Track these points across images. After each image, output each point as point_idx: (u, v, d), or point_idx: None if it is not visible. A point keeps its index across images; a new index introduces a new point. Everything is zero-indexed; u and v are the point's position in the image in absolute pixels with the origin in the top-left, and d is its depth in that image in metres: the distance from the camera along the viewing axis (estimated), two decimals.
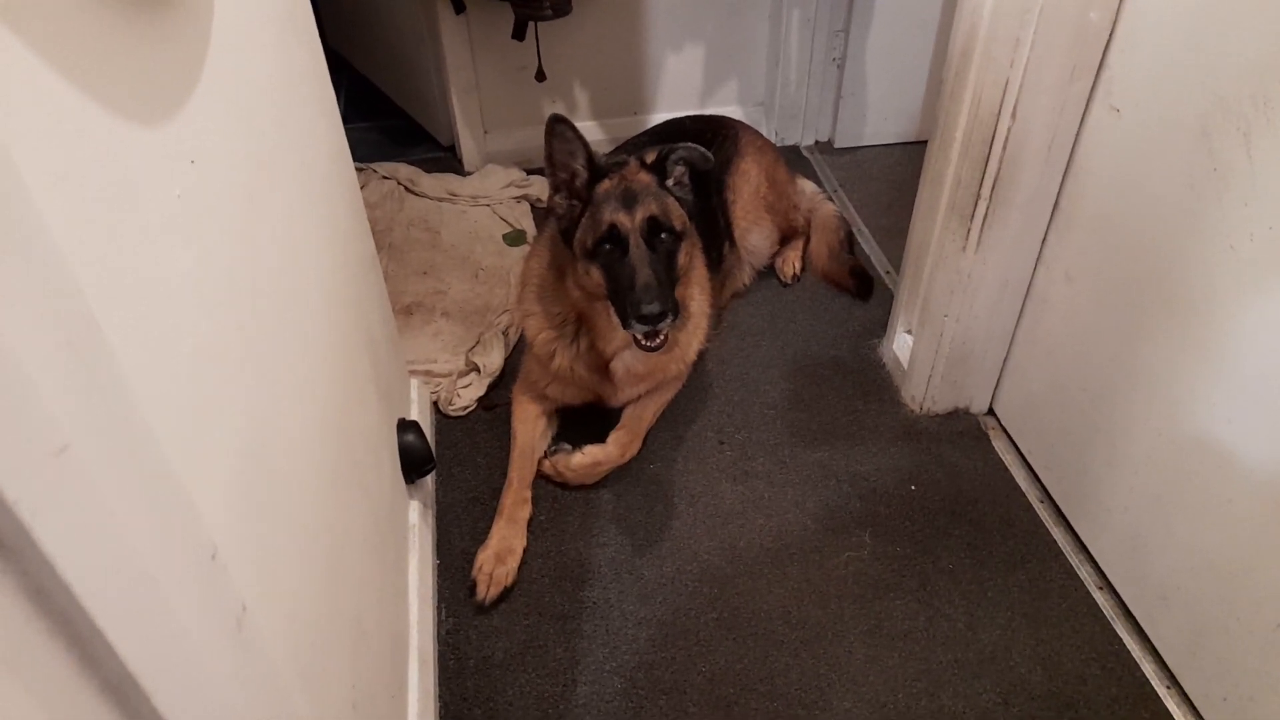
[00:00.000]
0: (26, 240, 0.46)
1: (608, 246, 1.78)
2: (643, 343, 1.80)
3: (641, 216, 1.77)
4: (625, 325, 1.79)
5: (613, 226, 1.76)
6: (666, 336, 1.81)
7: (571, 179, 1.82)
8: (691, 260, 1.95)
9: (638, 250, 1.76)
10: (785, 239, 2.71)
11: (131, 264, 0.66)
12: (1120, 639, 1.75)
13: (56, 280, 0.49)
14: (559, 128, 1.75)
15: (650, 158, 1.87)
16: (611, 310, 1.84)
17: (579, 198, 1.83)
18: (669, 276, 1.80)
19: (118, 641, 0.48)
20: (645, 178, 1.84)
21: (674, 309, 1.75)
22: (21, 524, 0.41)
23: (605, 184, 1.81)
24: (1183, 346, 1.55)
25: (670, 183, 1.87)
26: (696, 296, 2.07)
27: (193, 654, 0.59)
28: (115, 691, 0.51)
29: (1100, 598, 1.82)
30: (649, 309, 1.70)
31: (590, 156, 1.80)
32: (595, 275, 1.81)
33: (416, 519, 1.83)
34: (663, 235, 1.81)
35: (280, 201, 1.12)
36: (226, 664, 0.65)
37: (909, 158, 3.05)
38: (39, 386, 0.43)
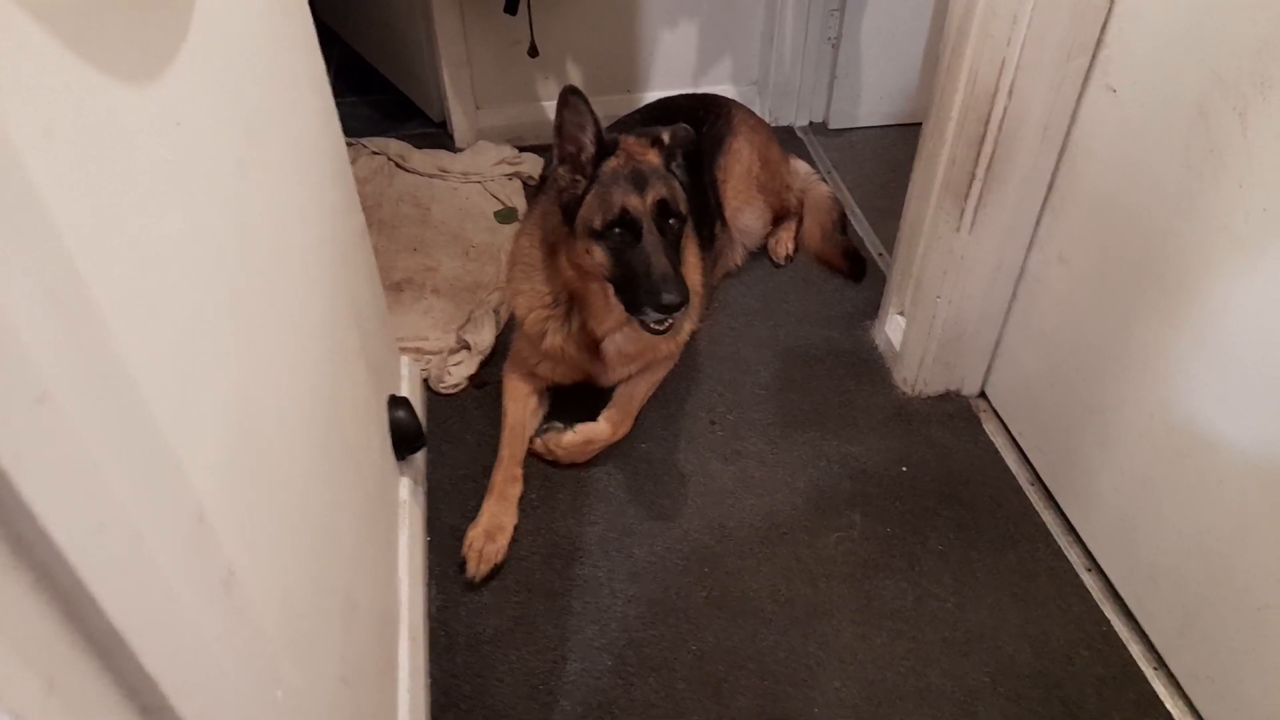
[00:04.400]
0: (8, 185, 0.45)
1: (618, 230, 1.76)
2: (653, 328, 1.79)
3: (653, 199, 1.76)
4: (635, 310, 1.77)
5: (624, 210, 1.74)
6: (675, 322, 1.80)
7: (578, 153, 1.80)
8: (686, 239, 1.94)
9: (651, 236, 1.74)
10: (778, 219, 2.70)
11: (116, 224, 0.64)
12: (1108, 620, 1.75)
13: (38, 228, 0.48)
14: (572, 99, 1.73)
15: (665, 136, 1.86)
16: (609, 290, 1.83)
17: (583, 173, 1.80)
18: (678, 261, 1.79)
19: (102, 595, 0.47)
20: (653, 158, 1.83)
21: (688, 297, 1.74)
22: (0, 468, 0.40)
23: (612, 162, 1.79)
24: (1175, 328, 1.55)
25: (673, 165, 1.86)
26: (690, 276, 2.05)
27: (179, 614, 0.58)
28: (101, 648, 0.50)
29: (1088, 579, 1.83)
30: (669, 299, 1.69)
31: (599, 131, 1.78)
32: (599, 256, 1.79)
33: (407, 495, 1.82)
34: (671, 220, 1.79)
35: (269, 171, 1.11)
36: (214, 626, 0.64)
37: (903, 139, 3.04)
38: (18, 331, 0.42)
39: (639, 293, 1.74)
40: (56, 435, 0.45)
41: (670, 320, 1.78)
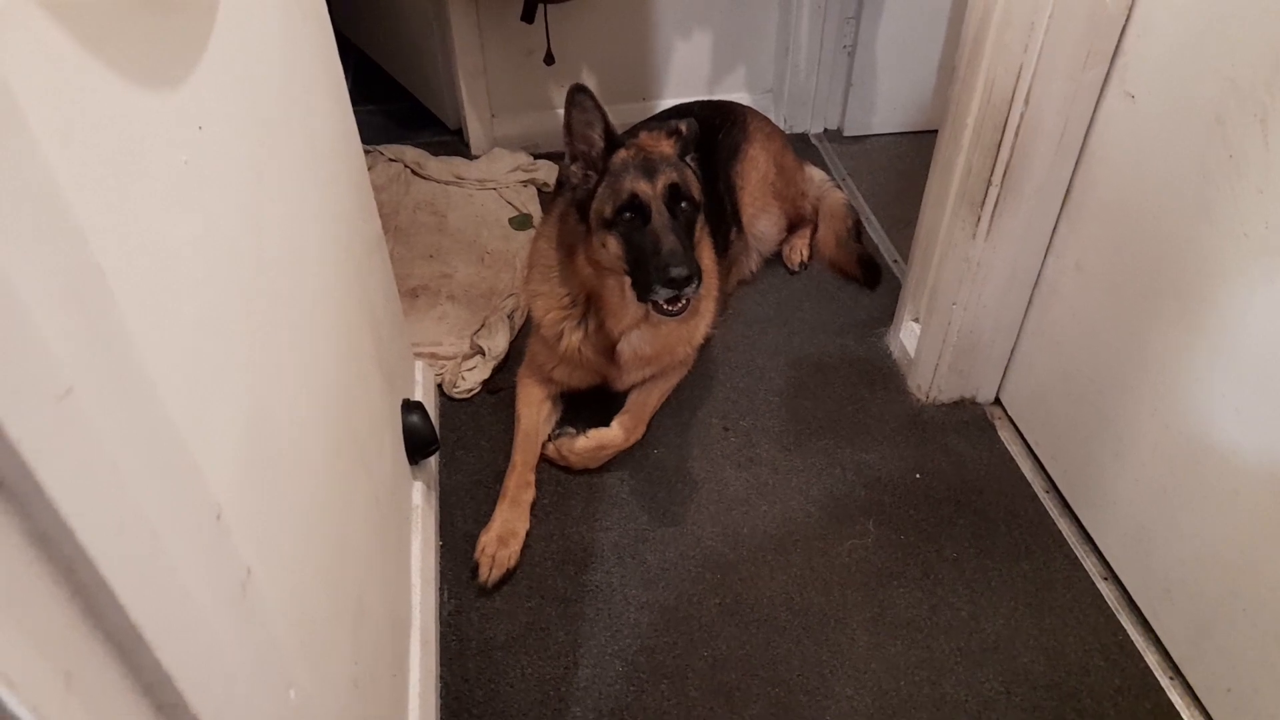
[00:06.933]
0: (31, 184, 0.46)
1: (628, 215, 1.77)
2: (665, 309, 1.77)
3: (663, 184, 1.77)
4: (646, 294, 1.77)
5: (634, 195, 1.76)
6: (688, 302, 1.79)
7: (588, 149, 1.82)
8: (700, 242, 1.94)
9: (660, 217, 1.76)
10: (793, 226, 2.70)
11: (136, 225, 0.65)
12: (1124, 630, 1.74)
13: (61, 227, 0.48)
14: (579, 97, 1.76)
15: (683, 127, 1.88)
16: (625, 285, 1.84)
17: (595, 168, 1.83)
18: (690, 244, 1.80)
19: (122, 592, 0.48)
20: (664, 148, 1.85)
21: (699, 274, 1.74)
22: (24, 464, 0.40)
23: (622, 154, 1.81)
24: (1193, 336, 1.54)
25: (688, 157, 1.88)
26: (706, 281, 2.05)
27: (197, 612, 0.59)
28: (119, 644, 0.50)
29: (1105, 588, 1.81)
30: (678, 272, 1.69)
31: (608, 127, 1.81)
32: (613, 246, 1.80)
33: (420, 500, 1.83)
34: (683, 204, 1.81)
35: (287, 176, 1.12)
36: (231, 626, 0.65)
37: (918, 147, 3.03)
38: (42, 328, 0.43)
39: (649, 271, 1.74)
40: (79, 432, 0.46)
41: (683, 300, 1.77)
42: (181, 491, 0.60)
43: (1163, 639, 1.70)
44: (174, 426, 0.61)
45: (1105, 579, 1.83)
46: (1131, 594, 1.78)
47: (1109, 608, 1.78)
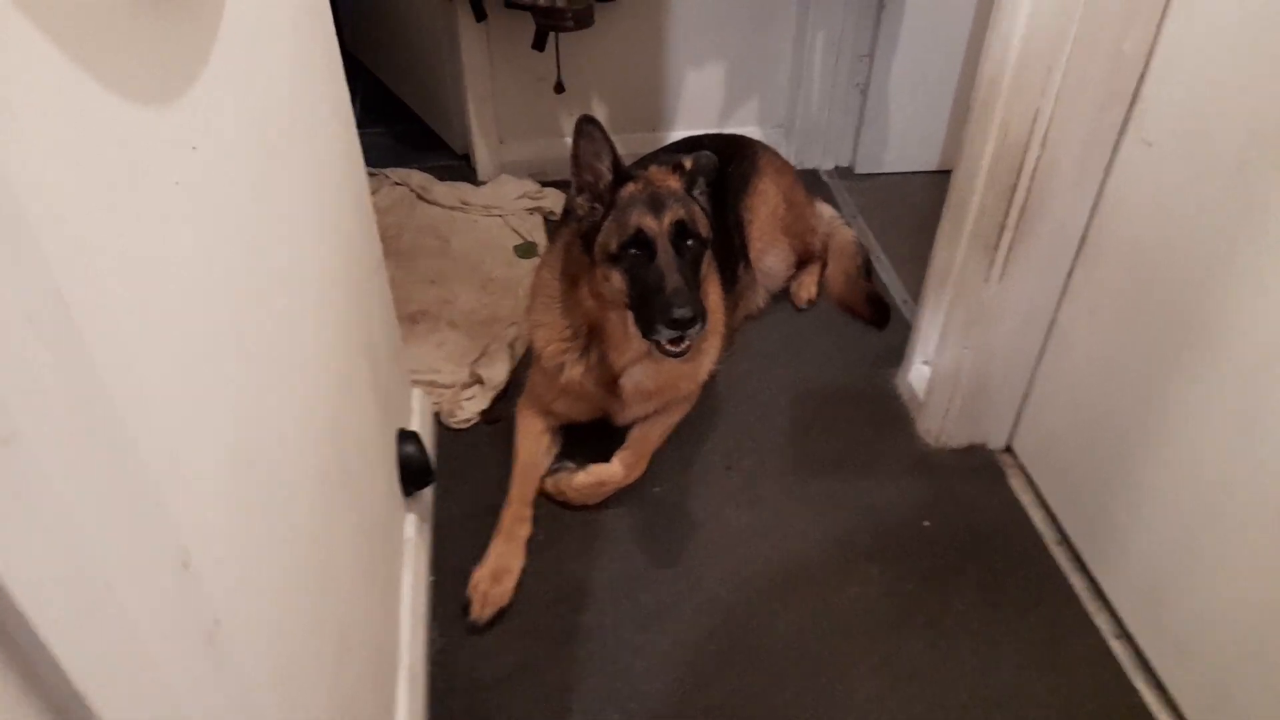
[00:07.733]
0: None
1: (633, 251, 1.74)
2: (668, 349, 1.73)
3: (670, 220, 1.74)
4: (649, 332, 1.73)
5: (640, 230, 1.72)
6: (691, 343, 1.74)
7: (595, 181, 1.79)
8: (707, 277, 1.91)
9: (666, 255, 1.72)
10: (801, 262, 2.67)
11: (115, 247, 0.61)
12: (1138, 691, 1.67)
13: (19, 250, 0.44)
14: (588, 128, 1.73)
15: (687, 163, 1.85)
16: (629, 319, 1.80)
17: (601, 201, 1.79)
18: (695, 282, 1.76)
19: (65, 656, 0.43)
20: (672, 183, 1.81)
21: (703, 315, 1.70)
22: None
23: (630, 187, 1.78)
24: (1212, 389, 1.50)
25: (696, 192, 1.84)
26: (712, 316, 2.01)
27: (152, 671, 0.54)
28: (60, 713, 0.46)
29: (1117, 647, 1.75)
30: (681, 313, 1.65)
31: (616, 159, 1.78)
32: (616, 281, 1.76)
33: (412, 533, 1.78)
34: (689, 241, 1.77)
35: (285, 197, 1.08)
36: (191, 682, 0.60)
37: (931, 186, 3.01)
38: None
39: (653, 310, 1.70)
40: (23, 479, 0.41)
41: (686, 341, 1.72)
42: (145, 541, 0.55)
43: (1179, 702, 1.63)
44: (143, 467, 0.56)
45: (1118, 637, 1.76)
46: (1146, 654, 1.71)
47: (1122, 667, 1.71)
